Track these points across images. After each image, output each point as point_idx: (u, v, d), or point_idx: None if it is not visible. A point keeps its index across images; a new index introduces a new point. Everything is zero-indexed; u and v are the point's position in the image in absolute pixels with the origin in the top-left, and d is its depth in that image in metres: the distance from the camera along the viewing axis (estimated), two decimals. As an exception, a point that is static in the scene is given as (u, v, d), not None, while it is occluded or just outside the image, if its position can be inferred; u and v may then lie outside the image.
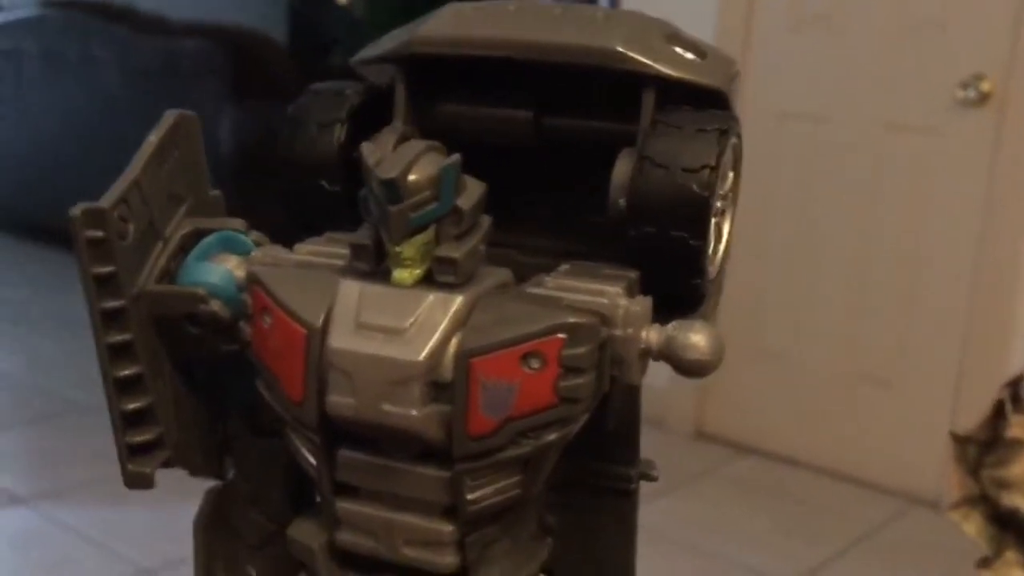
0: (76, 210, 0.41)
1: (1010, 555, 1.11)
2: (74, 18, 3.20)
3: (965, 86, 2.14)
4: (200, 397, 0.47)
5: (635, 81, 0.45)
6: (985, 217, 2.15)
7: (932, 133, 2.20)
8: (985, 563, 1.11)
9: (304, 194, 0.48)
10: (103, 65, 2.92)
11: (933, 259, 2.22)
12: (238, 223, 0.47)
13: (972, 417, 1.18)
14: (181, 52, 2.82)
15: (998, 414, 1.13)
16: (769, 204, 2.40)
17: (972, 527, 1.12)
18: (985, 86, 2.12)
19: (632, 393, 0.45)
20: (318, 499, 0.44)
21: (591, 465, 0.47)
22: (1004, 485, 1.11)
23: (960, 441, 1.15)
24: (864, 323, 2.31)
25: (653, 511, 2.03)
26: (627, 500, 0.47)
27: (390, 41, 0.49)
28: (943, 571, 1.42)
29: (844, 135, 2.31)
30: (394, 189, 0.39)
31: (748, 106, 2.41)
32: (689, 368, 0.41)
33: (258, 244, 0.46)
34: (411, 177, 0.39)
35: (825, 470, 2.32)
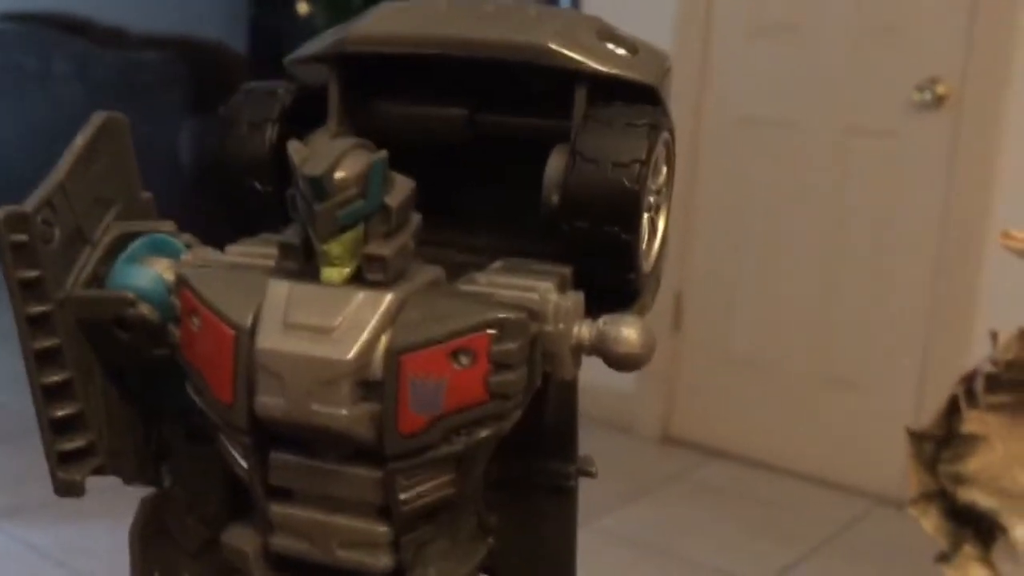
0: None
1: (968, 549, 1.11)
2: (33, 31, 3.17)
3: (921, 89, 2.16)
4: (133, 403, 0.46)
5: (568, 77, 0.45)
6: (944, 217, 2.17)
7: (891, 136, 2.23)
8: (944, 558, 1.12)
9: (237, 195, 0.47)
10: (63, 78, 2.89)
11: (895, 261, 2.24)
12: (168, 226, 0.46)
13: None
14: (141, 64, 2.80)
15: (953, 410, 1.14)
16: (733, 208, 2.42)
17: (930, 522, 1.12)
18: (941, 89, 2.15)
19: (568, 389, 0.45)
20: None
21: (529, 462, 0.46)
22: (961, 480, 1.12)
23: (917, 437, 1.16)
24: (829, 325, 2.33)
25: (621, 516, 2.05)
26: (566, 496, 0.47)
27: (323, 40, 0.48)
28: (910, 569, 1.44)
29: (805, 139, 2.33)
30: (320, 187, 0.38)
31: (709, 112, 2.43)
32: (620, 362, 0.40)
33: (189, 246, 0.46)
34: (337, 174, 0.39)
35: (792, 472, 2.34)
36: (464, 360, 0.38)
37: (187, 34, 3.12)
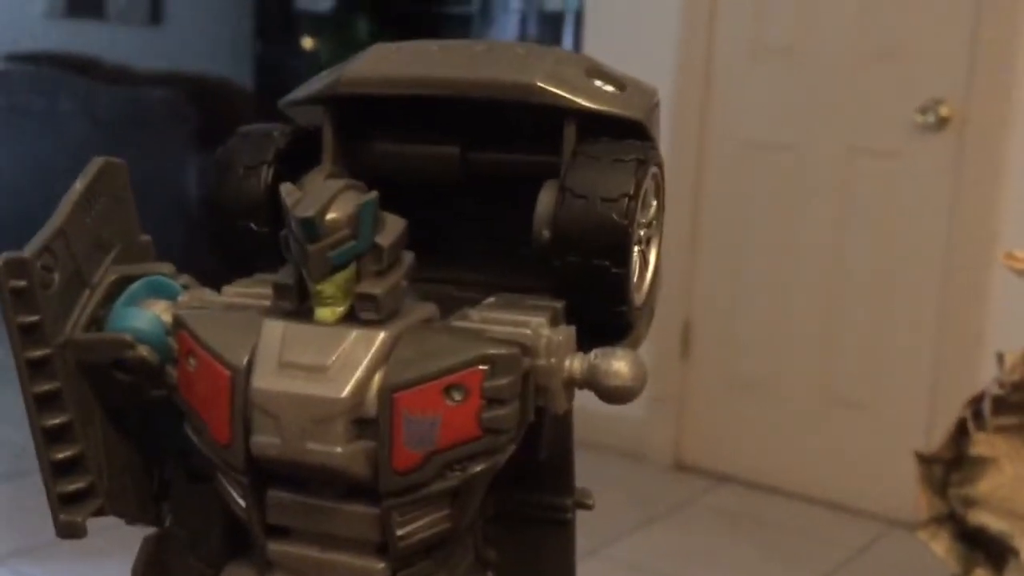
0: None
1: (980, 572, 1.11)
2: (39, 72, 3.20)
3: (924, 111, 2.17)
4: (133, 444, 0.47)
5: (557, 114, 0.46)
6: (949, 239, 2.17)
7: (894, 158, 2.23)
8: (955, 582, 1.12)
9: (233, 236, 0.48)
10: (69, 117, 2.92)
11: (902, 282, 2.24)
12: (166, 267, 0.47)
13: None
14: (147, 102, 2.82)
15: (962, 432, 1.14)
16: (737, 232, 2.42)
17: (940, 546, 1.12)
18: (944, 110, 2.15)
19: (563, 422, 0.45)
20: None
21: (526, 496, 0.47)
22: (970, 503, 1.11)
23: (925, 461, 1.16)
24: (836, 348, 2.32)
25: (633, 543, 2.04)
26: (564, 529, 0.47)
27: (317, 82, 0.49)
28: (923, 593, 1.43)
29: (809, 162, 2.34)
30: (312, 228, 0.39)
31: (712, 136, 2.44)
32: (612, 395, 0.41)
33: (186, 287, 0.46)
34: (329, 216, 0.39)
35: (804, 496, 2.32)
36: (457, 396, 0.39)
37: (193, 71, 3.16)
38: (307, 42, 3.98)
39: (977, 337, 2.11)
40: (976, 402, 1.17)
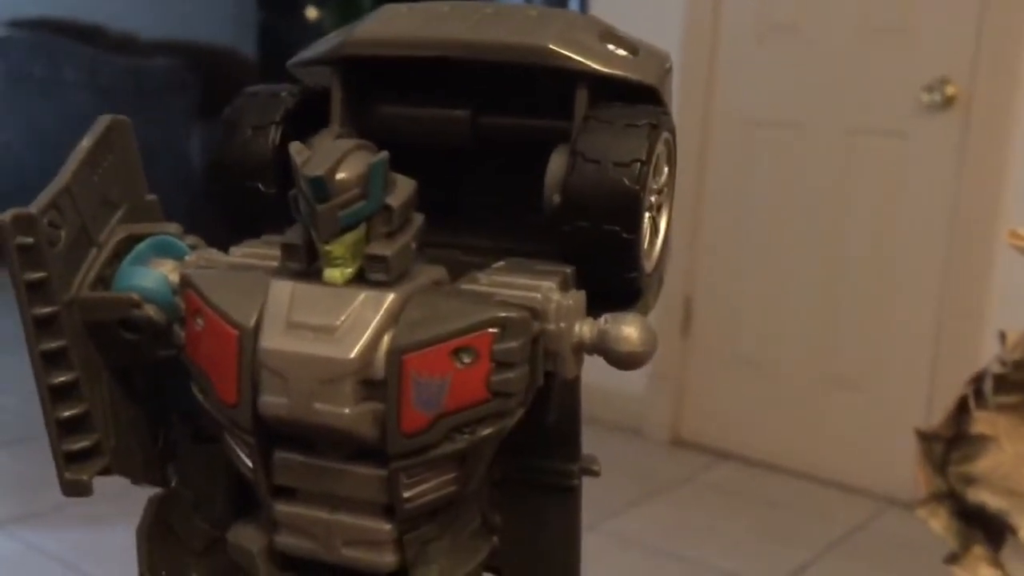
0: (5, 216, 0.41)
1: (978, 550, 1.11)
2: (41, 38, 3.18)
3: (930, 90, 2.16)
4: (139, 403, 0.47)
5: (569, 78, 0.45)
6: (953, 218, 2.17)
7: (899, 137, 2.23)
8: (953, 559, 1.12)
9: (240, 197, 0.48)
10: (71, 85, 2.91)
11: (903, 261, 2.24)
12: (173, 227, 0.47)
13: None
14: (150, 71, 2.81)
15: (962, 410, 1.14)
16: (740, 211, 2.42)
17: (939, 523, 1.12)
18: (950, 90, 2.14)
19: (571, 388, 0.45)
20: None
21: (532, 461, 0.47)
22: (970, 481, 1.11)
23: (926, 438, 1.16)
24: (837, 326, 2.32)
25: (631, 518, 2.05)
26: (570, 496, 0.47)
27: (326, 43, 0.49)
28: (921, 571, 1.43)
29: (813, 141, 2.33)
30: (322, 187, 0.39)
31: (717, 115, 2.43)
32: (622, 360, 0.41)
33: (194, 248, 0.46)
34: (339, 175, 0.39)
35: (801, 473, 2.33)
36: (466, 359, 0.39)
37: (197, 40, 3.14)
38: (311, 11, 3.95)
39: (979, 316, 2.11)
40: (977, 380, 1.17)
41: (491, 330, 0.39)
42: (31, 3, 3.50)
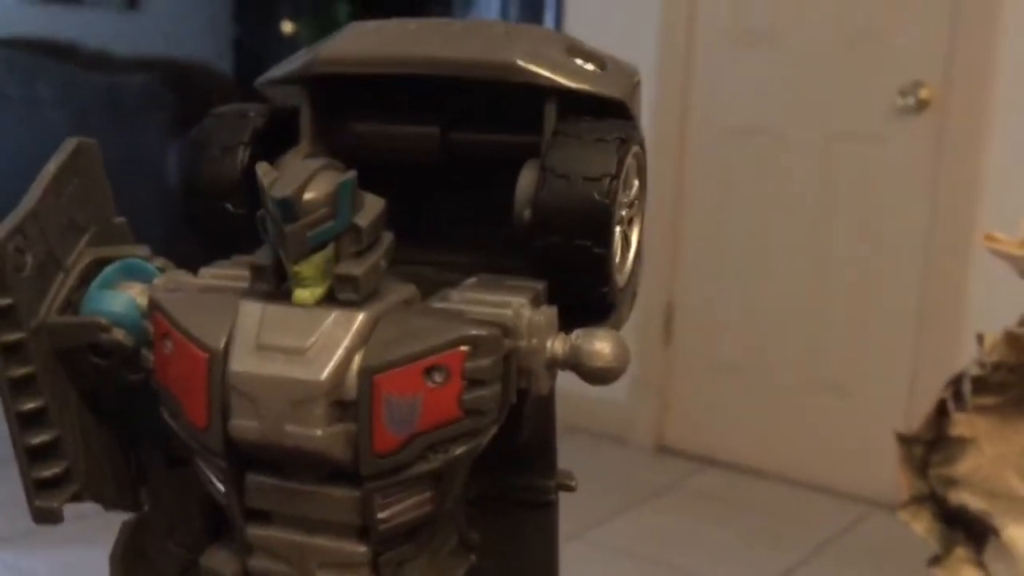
0: None
1: (960, 552, 1.11)
2: (16, 57, 3.16)
3: (905, 94, 2.17)
4: (109, 428, 0.46)
5: (537, 93, 0.45)
6: (931, 221, 2.18)
7: (876, 141, 2.24)
8: (936, 561, 1.12)
9: (211, 218, 0.47)
10: (47, 103, 2.89)
11: (883, 265, 2.25)
12: (142, 250, 0.46)
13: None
14: (126, 88, 2.80)
15: (941, 413, 1.14)
16: (720, 217, 2.42)
17: (921, 526, 1.12)
18: (924, 93, 2.16)
19: (545, 404, 0.45)
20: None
21: (508, 478, 0.46)
22: (951, 483, 1.12)
23: (906, 441, 1.16)
24: (819, 332, 2.33)
25: (615, 526, 2.05)
26: (547, 511, 0.47)
27: (294, 62, 0.49)
28: (905, 573, 1.44)
29: (790, 147, 2.34)
30: (289, 208, 0.38)
31: (694, 122, 2.44)
32: (595, 376, 0.40)
33: (163, 270, 0.46)
34: (306, 195, 0.39)
35: (786, 479, 2.34)
36: (438, 377, 0.38)
37: (172, 56, 3.13)
38: (287, 26, 3.95)
39: (957, 320, 2.13)
40: (956, 382, 1.17)
41: (462, 348, 0.38)
42: (4, 21, 3.48)
